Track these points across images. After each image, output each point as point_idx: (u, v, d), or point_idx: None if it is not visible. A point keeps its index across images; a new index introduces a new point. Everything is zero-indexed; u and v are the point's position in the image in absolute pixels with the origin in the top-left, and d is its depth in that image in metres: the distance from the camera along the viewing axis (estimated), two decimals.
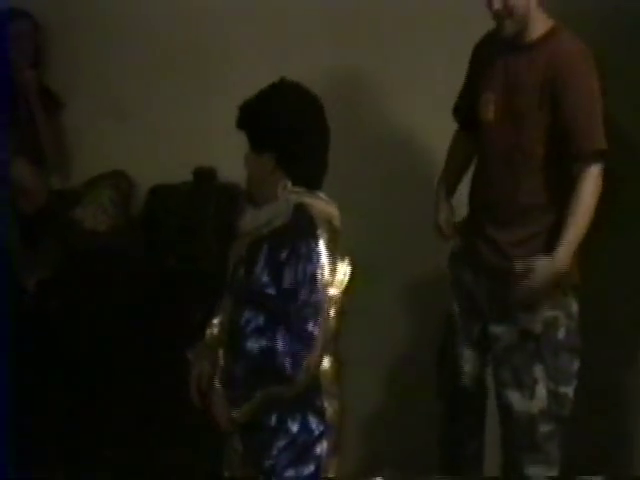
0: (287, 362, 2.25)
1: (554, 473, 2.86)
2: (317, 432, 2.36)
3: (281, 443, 2.34)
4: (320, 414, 2.36)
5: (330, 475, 2.41)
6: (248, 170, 2.41)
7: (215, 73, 3.63)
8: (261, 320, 2.33)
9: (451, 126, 3.16)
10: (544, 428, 2.82)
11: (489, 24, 2.91)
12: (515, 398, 2.83)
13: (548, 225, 2.80)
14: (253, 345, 2.32)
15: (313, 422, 2.36)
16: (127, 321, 3.41)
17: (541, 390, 2.80)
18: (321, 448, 2.37)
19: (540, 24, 2.82)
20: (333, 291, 2.33)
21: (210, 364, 2.45)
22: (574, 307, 2.86)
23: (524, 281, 2.73)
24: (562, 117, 2.74)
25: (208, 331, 2.51)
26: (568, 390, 2.83)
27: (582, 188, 2.72)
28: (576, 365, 2.84)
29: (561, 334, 2.81)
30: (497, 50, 2.91)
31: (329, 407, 2.38)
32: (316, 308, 2.26)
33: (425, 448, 3.25)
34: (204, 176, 3.56)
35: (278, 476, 2.34)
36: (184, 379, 2.53)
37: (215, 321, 2.51)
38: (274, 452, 2.34)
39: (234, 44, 3.59)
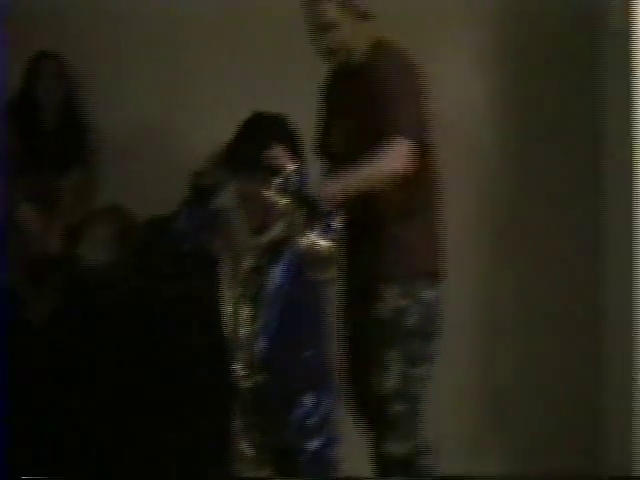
0: None
1: (411, 449, 2.95)
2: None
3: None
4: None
5: None
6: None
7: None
8: None
9: None
10: (398, 407, 2.92)
11: None
12: (371, 383, 2.94)
13: None
14: None
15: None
16: (128, 353, 3.57)
17: (392, 373, 2.90)
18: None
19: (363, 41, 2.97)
20: None
21: None
22: (429, 294, 2.96)
23: None
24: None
25: None
26: (422, 370, 2.95)
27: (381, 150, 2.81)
28: (432, 347, 2.97)
29: (412, 321, 2.92)
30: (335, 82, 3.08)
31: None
32: None
33: None
34: None
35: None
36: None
37: None
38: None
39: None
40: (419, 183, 2.92)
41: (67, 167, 4.01)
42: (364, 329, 2.97)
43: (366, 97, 2.92)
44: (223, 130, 2.67)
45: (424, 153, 2.92)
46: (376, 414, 2.98)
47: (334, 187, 2.75)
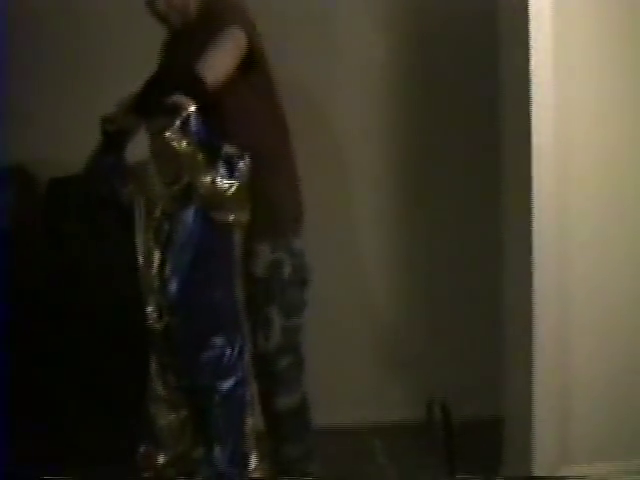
0: None
1: (297, 400, 3.06)
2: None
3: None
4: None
5: None
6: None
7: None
8: None
9: None
10: (284, 362, 3.02)
11: None
12: (256, 341, 2.99)
13: None
14: None
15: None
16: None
17: (275, 328, 2.99)
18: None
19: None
20: None
21: None
22: (297, 244, 3.03)
23: None
24: None
25: None
26: (299, 320, 3.05)
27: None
28: (305, 294, 3.06)
29: (286, 273, 3.00)
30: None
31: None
32: None
33: None
34: None
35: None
36: None
37: None
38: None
39: None
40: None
41: None
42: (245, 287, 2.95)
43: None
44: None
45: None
46: (264, 370, 3.01)
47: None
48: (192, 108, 2.55)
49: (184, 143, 2.52)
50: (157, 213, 2.66)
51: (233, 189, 2.56)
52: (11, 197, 3.78)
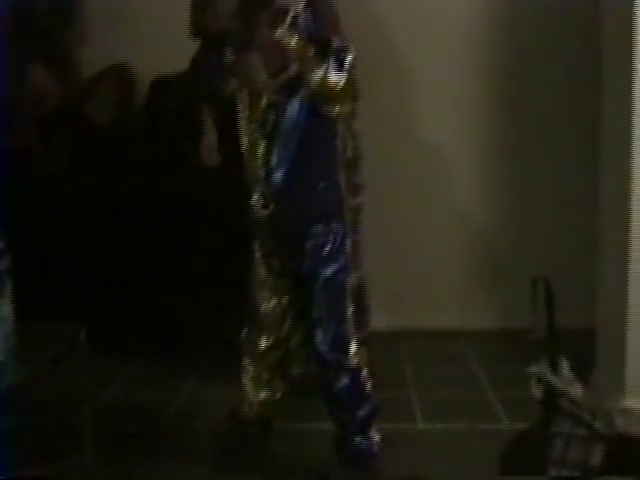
0: None
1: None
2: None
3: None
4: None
5: None
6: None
7: None
8: None
9: None
10: None
11: None
12: None
13: None
14: None
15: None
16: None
17: None
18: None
19: None
20: None
21: None
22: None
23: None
24: None
25: None
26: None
27: None
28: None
29: None
30: None
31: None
32: None
33: None
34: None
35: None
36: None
37: None
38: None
39: None
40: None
41: (64, 29, 4.05)
42: None
43: None
44: None
45: None
46: None
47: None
48: (301, 6, 2.58)
49: (294, 40, 2.55)
50: (262, 104, 2.70)
51: (342, 83, 2.58)
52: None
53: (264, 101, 2.68)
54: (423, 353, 3.96)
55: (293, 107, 2.64)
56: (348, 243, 2.74)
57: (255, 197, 2.71)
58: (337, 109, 2.65)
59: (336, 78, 2.57)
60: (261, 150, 2.69)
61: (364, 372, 2.77)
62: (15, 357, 2.39)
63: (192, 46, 3.59)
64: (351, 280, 2.77)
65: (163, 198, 3.68)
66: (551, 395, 3.14)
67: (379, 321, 3.65)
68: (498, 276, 4.24)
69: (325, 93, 2.60)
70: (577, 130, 4.04)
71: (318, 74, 2.56)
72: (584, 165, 3.81)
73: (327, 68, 2.56)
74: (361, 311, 3.09)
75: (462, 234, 4.24)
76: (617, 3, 3.26)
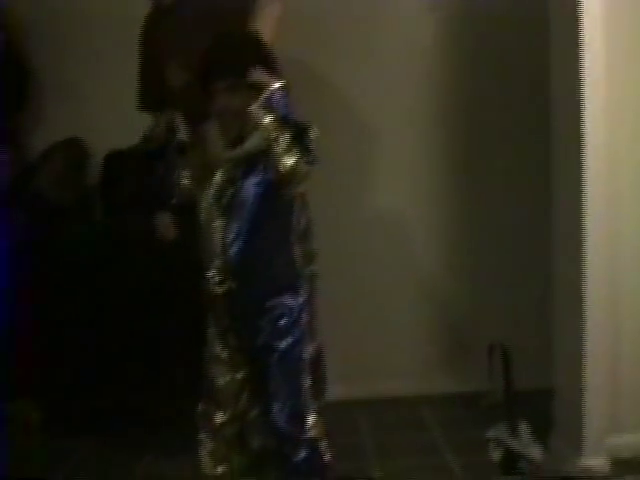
0: None
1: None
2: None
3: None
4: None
5: None
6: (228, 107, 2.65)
7: None
8: None
9: None
10: None
11: None
12: None
13: None
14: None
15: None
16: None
17: None
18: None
19: None
20: None
21: None
22: None
23: None
24: None
25: None
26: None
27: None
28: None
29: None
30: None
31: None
32: None
33: None
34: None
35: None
36: None
37: None
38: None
39: None
40: None
41: (16, 108, 4.06)
42: None
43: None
44: None
45: None
46: None
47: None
48: (276, 85, 2.58)
49: (267, 118, 2.54)
50: (218, 179, 2.71)
51: (308, 169, 2.56)
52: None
53: (219, 175, 2.71)
54: (381, 421, 3.95)
55: (250, 183, 2.66)
56: (304, 316, 2.74)
57: (211, 272, 2.71)
58: (297, 189, 2.68)
59: (306, 168, 2.56)
60: (217, 225, 2.70)
61: (323, 443, 2.76)
62: None
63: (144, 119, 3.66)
64: (308, 351, 2.77)
65: (117, 275, 3.67)
66: (510, 458, 3.16)
67: (336, 390, 3.64)
68: (456, 340, 4.26)
69: (289, 179, 2.59)
70: (534, 192, 4.07)
71: (289, 161, 2.53)
72: (538, 228, 3.85)
73: (298, 156, 2.53)
74: (318, 381, 3.08)
75: (419, 298, 4.26)
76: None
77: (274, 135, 2.53)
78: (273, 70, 2.68)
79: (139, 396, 3.60)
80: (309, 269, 3.00)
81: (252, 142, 2.64)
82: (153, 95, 3.41)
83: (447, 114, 4.23)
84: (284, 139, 2.52)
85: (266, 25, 3.05)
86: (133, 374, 3.64)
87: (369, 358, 4.16)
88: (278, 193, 2.66)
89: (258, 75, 2.61)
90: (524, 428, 3.15)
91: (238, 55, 2.67)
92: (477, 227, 4.26)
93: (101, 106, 3.99)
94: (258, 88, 2.58)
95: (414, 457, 3.55)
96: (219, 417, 2.80)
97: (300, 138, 2.54)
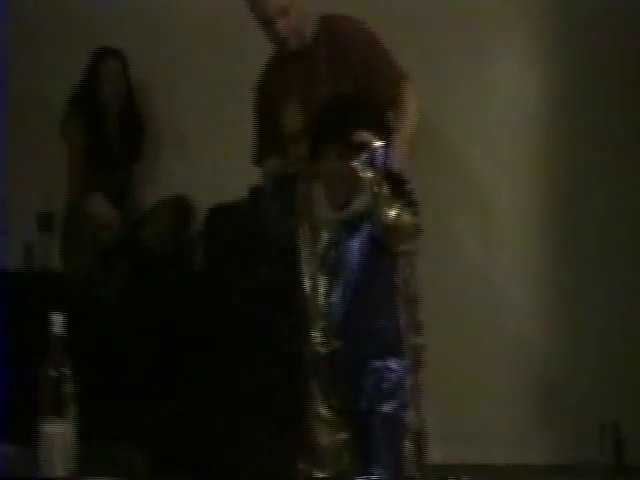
0: None
1: None
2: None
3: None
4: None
5: None
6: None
7: None
8: None
9: None
10: None
11: None
12: None
13: None
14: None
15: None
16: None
17: None
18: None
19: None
20: None
21: None
22: None
23: None
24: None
25: None
26: None
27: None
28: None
29: None
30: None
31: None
32: None
33: None
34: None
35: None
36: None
37: None
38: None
39: None
40: None
41: (129, 161, 4.22)
42: None
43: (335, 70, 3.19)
44: None
45: None
46: None
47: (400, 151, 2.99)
48: (378, 144, 2.64)
49: (369, 174, 2.60)
50: (323, 240, 2.76)
51: (414, 223, 2.61)
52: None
53: (325, 236, 2.75)
54: None
55: (356, 243, 2.70)
56: (408, 381, 2.75)
57: (315, 333, 2.74)
58: (404, 247, 2.70)
59: (409, 218, 2.60)
60: (322, 286, 2.74)
61: None
62: None
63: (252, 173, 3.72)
64: (411, 418, 2.77)
65: (215, 326, 3.72)
66: None
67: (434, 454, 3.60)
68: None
69: (394, 232, 2.63)
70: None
71: (391, 213, 2.58)
72: None
73: (401, 208, 2.58)
74: (419, 447, 3.06)
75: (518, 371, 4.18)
76: None
77: (376, 189, 2.58)
78: (378, 129, 2.70)
79: (239, 445, 3.60)
80: (415, 340, 3.01)
81: (357, 203, 2.69)
82: (268, 146, 3.45)
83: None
84: (385, 192, 2.57)
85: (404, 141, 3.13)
86: (232, 424, 3.65)
87: (468, 425, 4.11)
88: (383, 251, 2.69)
89: (362, 137, 2.65)
90: None
91: (352, 120, 2.72)
92: (582, 285, 4.18)
93: (213, 160, 4.10)
94: (361, 144, 2.63)
95: None
96: (320, 476, 2.82)
97: (401, 190, 2.58)
